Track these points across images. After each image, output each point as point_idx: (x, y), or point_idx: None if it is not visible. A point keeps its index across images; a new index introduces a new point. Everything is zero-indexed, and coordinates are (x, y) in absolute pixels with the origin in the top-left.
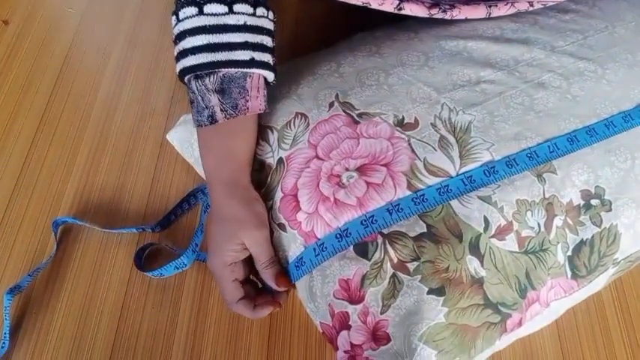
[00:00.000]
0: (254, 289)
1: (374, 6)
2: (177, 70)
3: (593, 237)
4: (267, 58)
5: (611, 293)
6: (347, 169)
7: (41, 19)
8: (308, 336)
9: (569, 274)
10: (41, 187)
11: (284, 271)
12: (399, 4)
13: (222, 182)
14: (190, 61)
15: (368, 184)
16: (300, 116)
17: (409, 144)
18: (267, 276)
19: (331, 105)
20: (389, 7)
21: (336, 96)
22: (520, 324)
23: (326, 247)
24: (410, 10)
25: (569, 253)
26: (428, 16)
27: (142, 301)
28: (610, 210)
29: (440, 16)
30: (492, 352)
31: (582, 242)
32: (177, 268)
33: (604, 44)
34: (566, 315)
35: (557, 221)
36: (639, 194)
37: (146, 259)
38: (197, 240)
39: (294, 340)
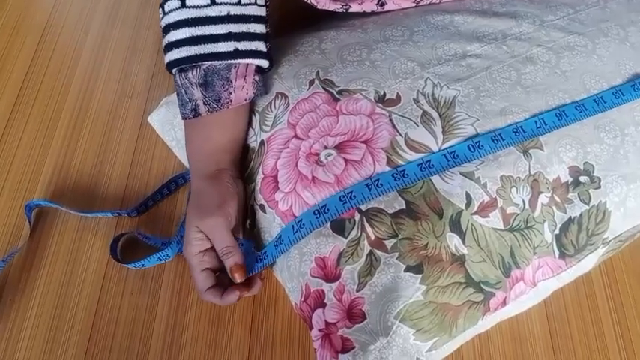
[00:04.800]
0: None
1: (355, 9)
2: (165, 63)
3: (581, 215)
4: (254, 46)
5: (600, 274)
6: (326, 147)
7: None
8: (291, 319)
9: (557, 253)
10: (16, 169)
11: (244, 261)
12: (379, 0)
13: (197, 171)
14: (174, 55)
15: (347, 161)
16: (280, 96)
17: (390, 120)
18: (226, 265)
19: (311, 83)
20: (371, 7)
21: (317, 73)
22: (504, 303)
23: (304, 224)
24: (394, 3)
25: (557, 231)
26: (415, 4)
27: (121, 286)
28: (599, 187)
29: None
30: (477, 331)
31: (570, 220)
32: (161, 260)
33: (595, 19)
34: (554, 296)
35: (543, 199)
36: (629, 171)
37: (123, 247)
38: (182, 232)
39: (277, 325)
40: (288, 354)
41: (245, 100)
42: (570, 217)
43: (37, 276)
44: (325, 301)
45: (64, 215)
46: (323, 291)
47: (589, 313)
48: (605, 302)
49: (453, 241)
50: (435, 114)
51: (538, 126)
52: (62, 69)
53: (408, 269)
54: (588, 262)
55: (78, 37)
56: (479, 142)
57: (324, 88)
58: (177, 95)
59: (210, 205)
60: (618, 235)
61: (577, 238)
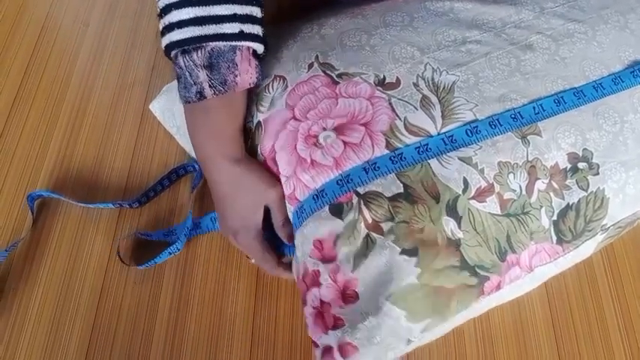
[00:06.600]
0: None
1: None
2: (163, 45)
3: (579, 201)
4: (256, 30)
5: (600, 255)
6: (324, 129)
7: None
8: (294, 300)
9: (555, 238)
10: (18, 160)
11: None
12: None
13: (222, 155)
14: (177, 35)
15: (345, 143)
16: (278, 79)
17: (390, 103)
18: (284, 234)
19: (311, 66)
20: None
21: (316, 57)
22: (499, 287)
23: (304, 209)
24: None
25: (555, 217)
26: None
27: (124, 275)
28: (597, 174)
29: None
30: (471, 315)
31: (568, 206)
32: (171, 254)
33: (595, 6)
34: (555, 281)
35: (540, 185)
36: (628, 158)
37: (127, 248)
38: (188, 223)
39: (280, 310)
40: (290, 346)
41: (250, 84)
42: (568, 203)
43: (40, 266)
44: (321, 281)
45: (67, 205)
46: (319, 271)
47: (590, 296)
48: (605, 281)
49: (449, 225)
50: (434, 98)
51: (536, 112)
52: (63, 61)
53: (403, 252)
54: (587, 248)
55: (78, 29)
56: (477, 126)
57: (324, 72)
58: (179, 79)
59: (267, 179)
60: (617, 222)
61: (575, 225)
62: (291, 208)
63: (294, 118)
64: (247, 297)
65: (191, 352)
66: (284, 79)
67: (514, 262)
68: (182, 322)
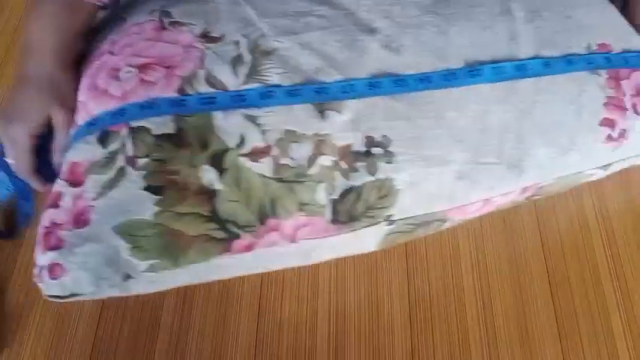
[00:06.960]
0: None
1: None
2: None
3: (363, 185)
4: None
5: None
6: (129, 66)
7: None
8: (300, 281)
9: (328, 217)
10: None
11: None
12: None
13: (49, 49)
14: None
15: (141, 80)
16: (121, 19)
17: (202, 54)
18: (57, 161)
19: (152, 12)
20: None
21: (161, 6)
22: (250, 248)
23: (78, 135)
24: None
25: (335, 196)
26: None
27: None
28: (391, 162)
29: None
30: (214, 273)
31: (351, 188)
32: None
33: (465, 3)
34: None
35: (325, 160)
36: (435, 154)
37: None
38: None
39: (287, 291)
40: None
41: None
42: (352, 185)
43: None
44: (60, 203)
45: None
46: (63, 193)
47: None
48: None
49: (208, 175)
50: (248, 58)
51: (345, 90)
52: None
53: (147, 189)
54: (369, 236)
55: None
56: (272, 92)
57: (160, 18)
58: None
59: (66, 98)
60: (409, 217)
61: (353, 207)
62: (72, 133)
63: (110, 52)
64: (255, 276)
65: (197, 338)
66: (124, 19)
67: (274, 228)
68: (189, 304)
